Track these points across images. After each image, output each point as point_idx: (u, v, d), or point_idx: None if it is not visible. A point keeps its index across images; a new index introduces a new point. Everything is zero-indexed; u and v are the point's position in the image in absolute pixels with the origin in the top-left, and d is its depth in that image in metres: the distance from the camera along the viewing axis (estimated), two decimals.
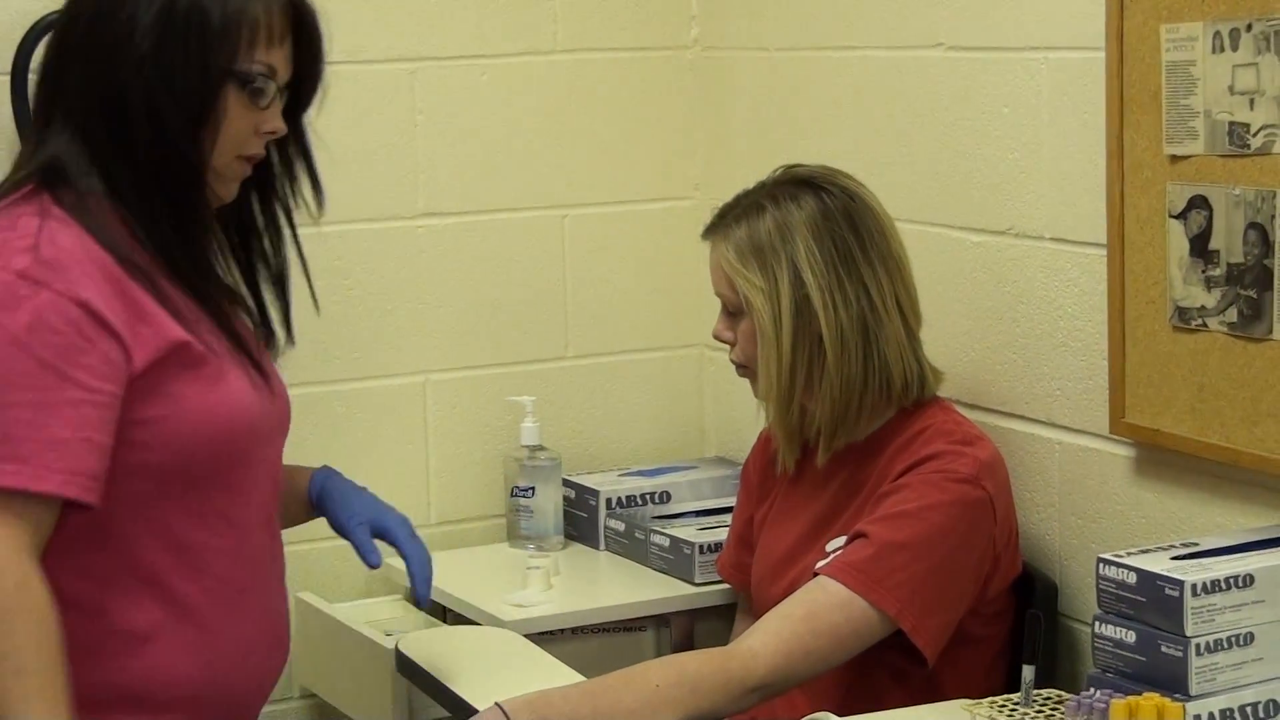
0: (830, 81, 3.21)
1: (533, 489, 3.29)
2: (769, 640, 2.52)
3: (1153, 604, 2.22)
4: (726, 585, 3.02)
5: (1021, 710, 2.28)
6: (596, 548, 3.32)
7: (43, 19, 2.98)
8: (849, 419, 2.68)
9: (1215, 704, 2.20)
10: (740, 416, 3.32)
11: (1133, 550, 2.32)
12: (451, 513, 3.43)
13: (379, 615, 3.24)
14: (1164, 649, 2.21)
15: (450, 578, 3.14)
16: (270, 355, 2.36)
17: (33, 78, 2.92)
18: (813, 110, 3.26)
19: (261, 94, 2.21)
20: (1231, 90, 2.44)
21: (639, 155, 3.54)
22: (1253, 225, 2.42)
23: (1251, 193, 2.42)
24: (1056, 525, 2.80)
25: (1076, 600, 2.75)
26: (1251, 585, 2.23)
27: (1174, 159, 2.53)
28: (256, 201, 2.34)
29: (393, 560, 2.59)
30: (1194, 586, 2.20)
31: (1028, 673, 2.30)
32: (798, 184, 2.71)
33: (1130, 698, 2.17)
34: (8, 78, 3.03)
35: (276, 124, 2.25)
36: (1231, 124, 2.44)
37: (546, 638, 2.91)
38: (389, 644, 2.89)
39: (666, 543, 3.17)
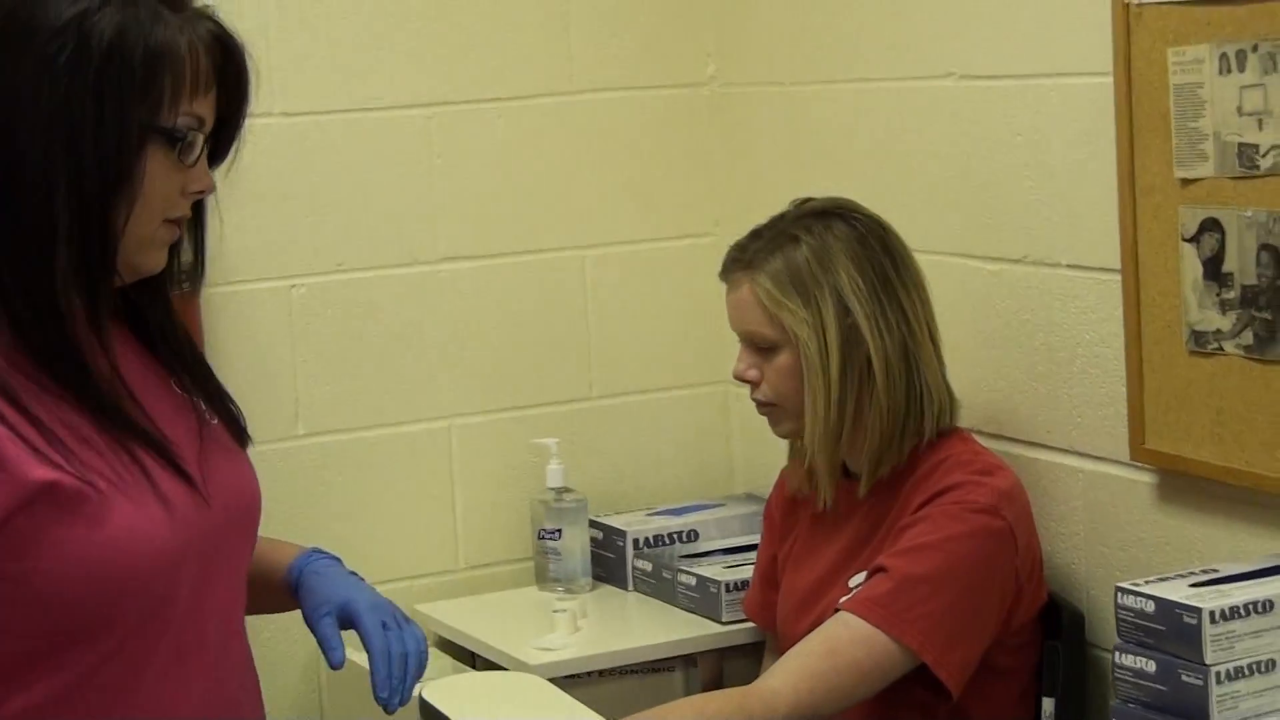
0: (845, 114, 3.20)
1: (559, 531, 3.28)
2: (789, 678, 2.51)
3: (1172, 633, 2.20)
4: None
5: None
6: (625, 588, 3.31)
7: None
8: (894, 447, 2.66)
9: None
10: (768, 453, 3.30)
11: (1151, 579, 2.29)
12: (479, 557, 3.43)
13: None
14: (1184, 678, 2.18)
15: (477, 622, 3.14)
16: (215, 435, 2.00)
17: None
18: (828, 143, 3.25)
19: (190, 150, 1.86)
20: (1240, 111, 2.42)
21: (658, 193, 3.53)
22: (1265, 247, 2.40)
23: (1263, 214, 2.40)
24: (1082, 554, 2.78)
25: (1104, 629, 2.72)
26: (1272, 610, 2.20)
27: (1185, 182, 2.51)
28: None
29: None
30: (1212, 614, 2.17)
31: (1048, 705, 2.29)
32: (823, 214, 2.70)
33: None
34: None
35: (206, 182, 1.90)
36: (1241, 145, 2.42)
37: (573, 681, 2.90)
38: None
39: (693, 582, 3.15)
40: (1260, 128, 2.39)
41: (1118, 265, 2.63)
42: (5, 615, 1.80)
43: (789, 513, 2.86)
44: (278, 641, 3.20)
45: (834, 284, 2.64)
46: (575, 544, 3.29)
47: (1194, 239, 2.50)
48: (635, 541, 3.30)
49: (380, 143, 3.32)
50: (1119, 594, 2.27)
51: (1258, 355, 2.43)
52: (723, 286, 2.76)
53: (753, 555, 3.07)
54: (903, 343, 2.65)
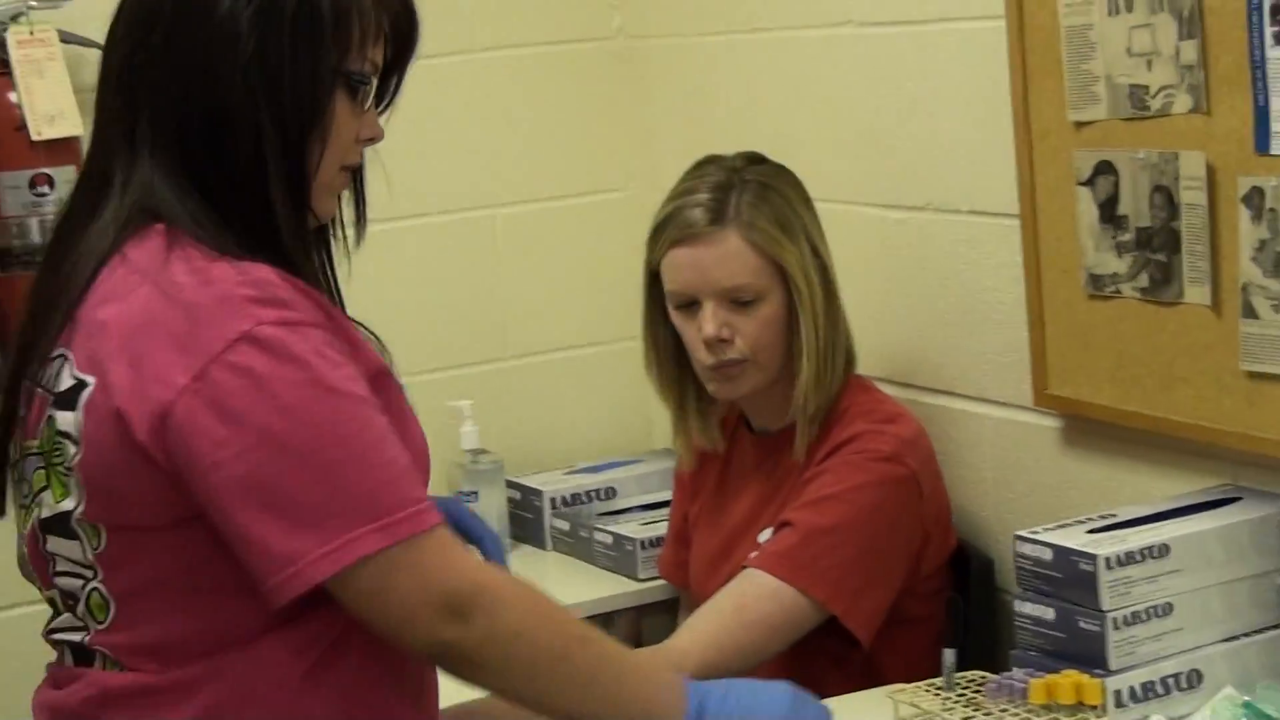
0: (748, 64, 3.18)
1: (476, 493, 3.26)
2: (698, 637, 2.50)
3: (1069, 580, 2.20)
4: None
5: (944, 694, 2.25)
6: (544, 548, 3.29)
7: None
8: (824, 393, 2.65)
9: (1136, 677, 2.17)
10: None
11: (1050, 525, 2.29)
12: None
13: None
14: (1082, 624, 2.18)
15: None
16: None
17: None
18: (734, 94, 3.23)
19: (368, 96, 1.92)
20: (1129, 52, 2.40)
21: (568, 149, 3.50)
22: (1158, 188, 2.39)
23: (1155, 155, 2.38)
24: (991, 500, 2.77)
25: (1012, 576, 2.71)
26: (1168, 555, 2.20)
27: (1079, 125, 2.49)
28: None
29: None
30: (1108, 560, 2.17)
31: (948, 656, 2.27)
32: (765, 163, 2.70)
33: (1049, 676, 2.15)
34: None
35: (377, 129, 1.97)
36: (1131, 87, 2.40)
37: None
38: None
39: (609, 540, 3.14)
40: (1149, 68, 2.37)
41: (1017, 211, 2.62)
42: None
43: (698, 471, 2.84)
44: None
45: (804, 226, 2.64)
46: (491, 506, 3.26)
47: (1089, 182, 2.49)
48: (552, 500, 3.29)
49: None
50: (1017, 542, 2.27)
51: (1153, 298, 2.42)
52: (677, 249, 2.64)
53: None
54: (833, 283, 2.66)
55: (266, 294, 1.81)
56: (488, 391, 3.43)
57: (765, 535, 2.63)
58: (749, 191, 2.64)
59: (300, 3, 1.85)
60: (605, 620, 3.06)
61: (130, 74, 1.89)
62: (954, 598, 2.27)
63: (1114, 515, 2.30)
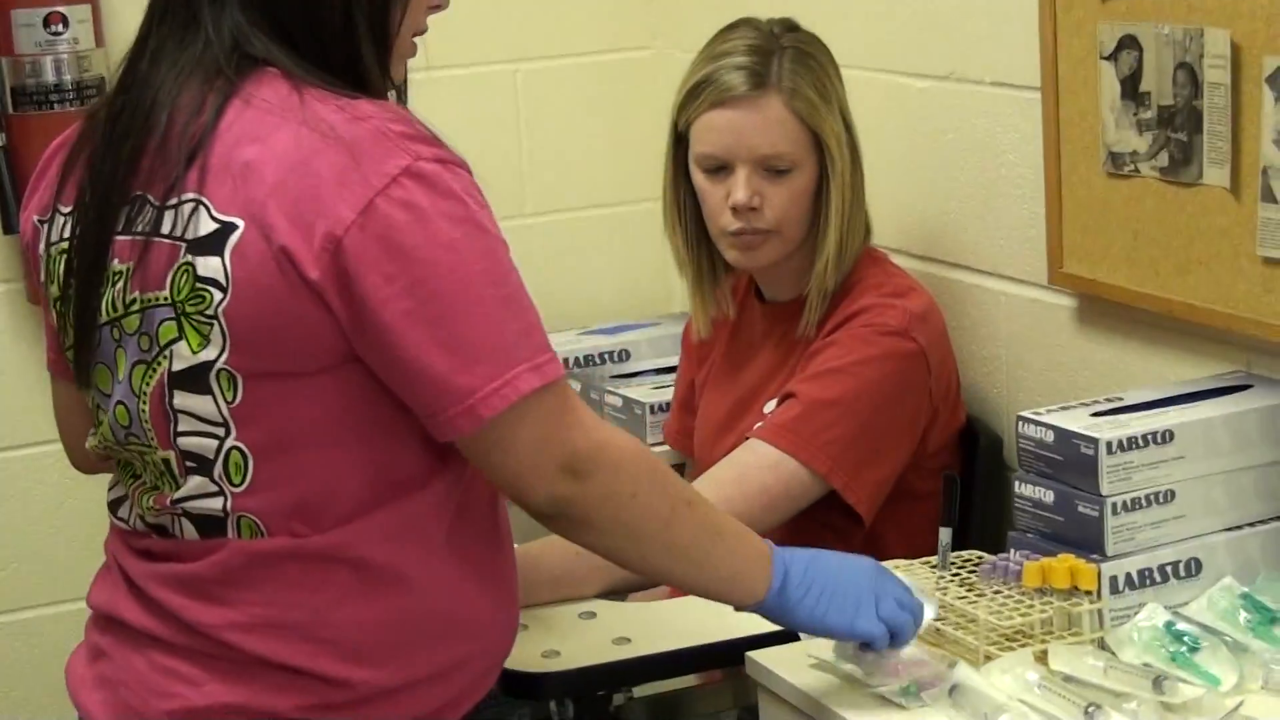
0: None
1: None
2: None
3: (1070, 462, 2.16)
4: None
5: (938, 574, 2.22)
6: None
7: None
8: (844, 264, 2.61)
9: (1132, 564, 2.14)
10: None
11: (1053, 407, 2.25)
12: None
13: None
14: (1081, 508, 2.15)
15: None
16: None
17: None
18: None
19: None
20: None
21: (593, 5, 3.44)
22: (1181, 65, 2.32)
23: (1179, 31, 2.31)
24: (1002, 378, 2.73)
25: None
26: (1171, 441, 2.16)
27: None
28: None
29: None
30: (1109, 444, 2.12)
31: (944, 535, 2.24)
32: (802, 32, 2.64)
33: (1044, 559, 2.11)
34: None
35: None
36: None
37: None
38: None
39: (619, 402, 3.12)
40: None
41: (1039, 84, 2.56)
42: None
43: (705, 338, 2.81)
44: None
45: (839, 97, 2.60)
46: None
47: (1112, 56, 2.42)
48: (566, 361, 3.26)
49: None
50: (1020, 423, 2.22)
51: (1172, 178, 2.36)
52: (714, 111, 2.58)
53: None
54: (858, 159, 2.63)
55: (417, 130, 1.81)
56: None
57: (770, 406, 2.60)
58: (788, 58, 2.58)
59: None
60: None
61: None
62: (950, 475, 2.23)
63: (1120, 399, 2.26)
